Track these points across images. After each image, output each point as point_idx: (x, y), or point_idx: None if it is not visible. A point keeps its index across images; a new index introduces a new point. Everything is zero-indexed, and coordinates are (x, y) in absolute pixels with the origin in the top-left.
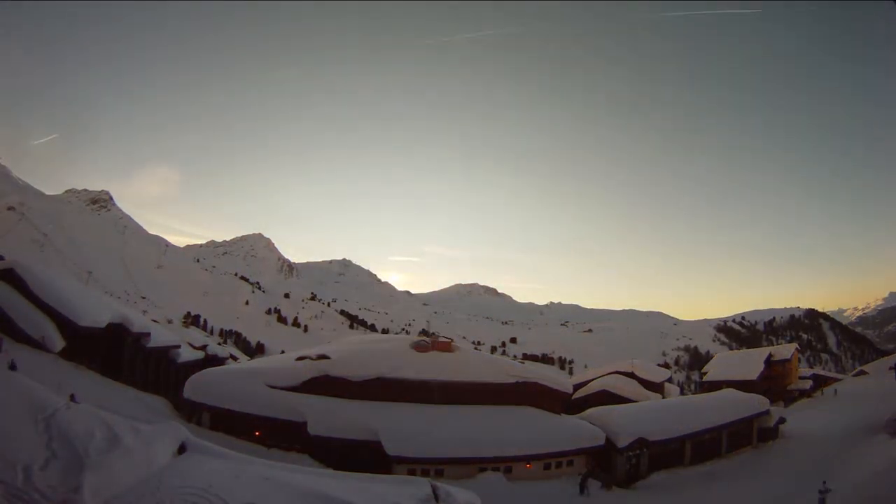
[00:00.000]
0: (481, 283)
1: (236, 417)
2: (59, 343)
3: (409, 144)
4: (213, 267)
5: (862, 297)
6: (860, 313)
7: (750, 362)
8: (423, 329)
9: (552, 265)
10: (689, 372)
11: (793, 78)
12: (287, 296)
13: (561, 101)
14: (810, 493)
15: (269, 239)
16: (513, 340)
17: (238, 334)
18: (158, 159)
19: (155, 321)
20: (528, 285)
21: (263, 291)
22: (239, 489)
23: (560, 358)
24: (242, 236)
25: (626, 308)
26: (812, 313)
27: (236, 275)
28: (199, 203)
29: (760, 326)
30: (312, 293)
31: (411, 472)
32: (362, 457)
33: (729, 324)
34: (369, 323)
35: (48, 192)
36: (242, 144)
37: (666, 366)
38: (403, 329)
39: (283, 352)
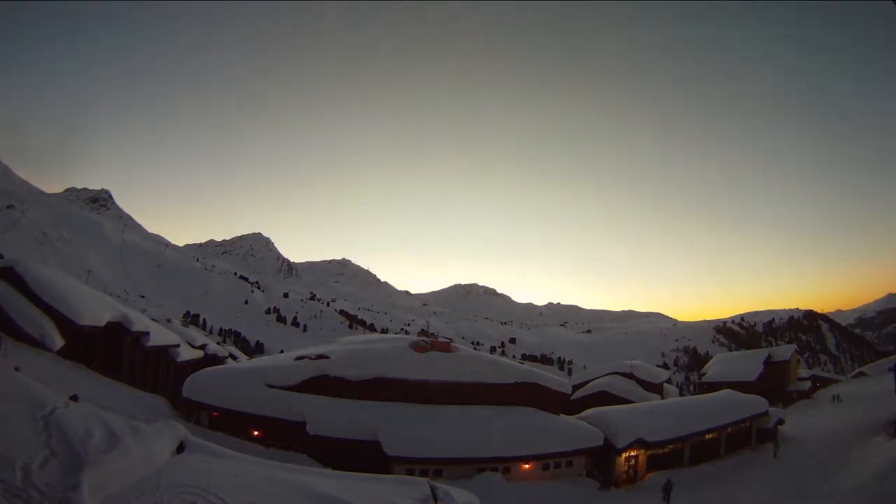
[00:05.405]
0: (480, 283)
1: (235, 417)
2: (58, 342)
3: (409, 144)
4: (213, 266)
5: (861, 299)
6: (859, 315)
7: (749, 363)
8: (423, 329)
9: (551, 266)
10: (688, 373)
11: (792, 80)
12: (286, 295)
13: (561, 103)
14: (809, 493)
15: (268, 238)
16: (512, 341)
17: (237, 334)
18: (158, 158)
19: (154, 320)
20: (527, 286)
21: (263, 291)
22: (238, 489)
23: (559, 358)
24: (242, 236)
25: (626, 309)
26: (811, 314)
27: (236, 274)
28: (200, 202)
29: (759, 327)
30: (312, 293)
31: (410, 472)
32: (361, 456)
33: (728, 325)
34: (368, 323)
35: (48, 191)
36: (243, 144)
37: (665, 366)
38: (402, 329)
39: (282, 351)
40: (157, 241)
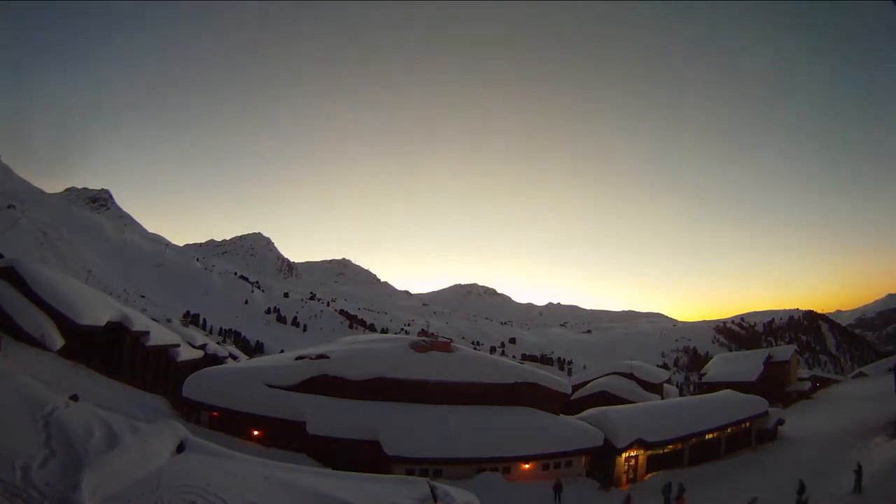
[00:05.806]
0: (480, 283)
1: (235, 417)
2: (58, 342)
3: (408, 144)
4: (213, 266)
5: (861, 299)
6: (859, 315)
7: (749, 364)
8: (423, 329)
9: (551, 265)
10: (689, 373)
11: (792, 80)
12: (286, 295)
13: (561, 103)
14: (809, 493)
15: (268, 238)
16: (512, 341)
17: (237, 333)
18: (159, 159)
19: (154, 320)
20: (527, 286)
21: (263, 291)
22: (237, 488)
23: (559, 358)
24: (242, 235)
25: (626, 309)
26: (811, 315)
27: (236, 274)
28: (200, 202)
29: (759, 328)
30: (312, 293)
31: (410, 472)
32: (361, 456)
33: (728, 325)
34: (368, 323)
35: (48, 191)
36: (243, 144)
37: (665, 367)
38: (402, 329)
39: (282, 351)
40: (157, 241)
